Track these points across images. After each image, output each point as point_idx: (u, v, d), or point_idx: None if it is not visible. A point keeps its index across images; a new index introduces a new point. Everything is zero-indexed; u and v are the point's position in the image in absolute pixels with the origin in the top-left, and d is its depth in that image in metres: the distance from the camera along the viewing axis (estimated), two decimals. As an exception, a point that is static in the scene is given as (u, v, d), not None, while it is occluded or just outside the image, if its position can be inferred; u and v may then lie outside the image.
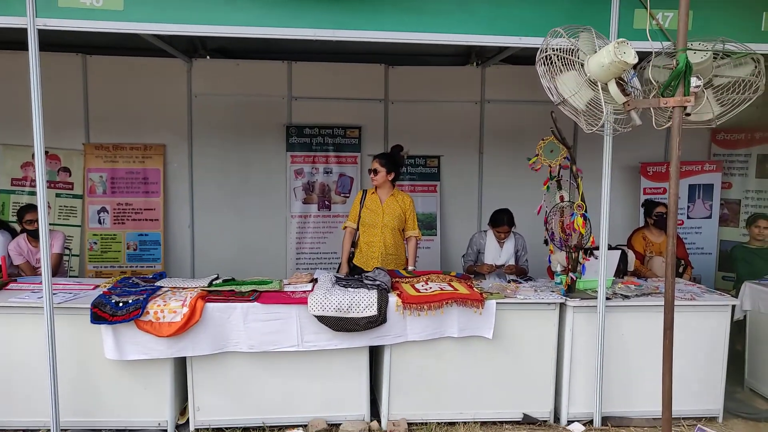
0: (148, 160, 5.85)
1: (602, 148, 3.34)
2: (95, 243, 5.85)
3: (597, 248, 3.37)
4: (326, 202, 6.03)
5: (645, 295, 3.55)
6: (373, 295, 3.28)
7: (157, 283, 3.51)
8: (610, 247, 3.44)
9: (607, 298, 3.38)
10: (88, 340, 3.22)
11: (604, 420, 3.45)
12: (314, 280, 3.66)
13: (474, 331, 3.36)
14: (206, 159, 5.90)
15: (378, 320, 3.22)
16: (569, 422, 3.49)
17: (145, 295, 3.22)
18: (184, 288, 3.45)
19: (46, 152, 5.77)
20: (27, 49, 3.06)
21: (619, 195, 6.17)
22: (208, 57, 5.96)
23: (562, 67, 2.71)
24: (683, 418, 3.55)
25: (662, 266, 4.56)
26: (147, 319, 3.15)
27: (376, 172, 4.09)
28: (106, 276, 5.82)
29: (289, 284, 3.58)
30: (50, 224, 5.85)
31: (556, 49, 2.72)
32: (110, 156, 5.80)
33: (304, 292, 3.41)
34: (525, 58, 5.87)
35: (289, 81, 5.92)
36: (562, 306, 3.46)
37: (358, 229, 4.17)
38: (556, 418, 3.54)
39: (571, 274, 3.50)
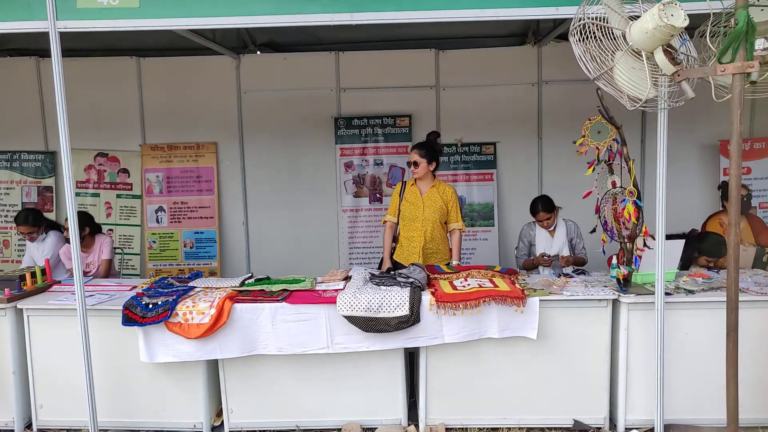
0: (201, 158, 5.92)
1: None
2: (154, 242, 6.01)
3: (652, 237, 2.99)
4: (377, 195, 5.87)
5: (714, 290, 3.13)
6: (405, 293, 3.08)
7: (191, 284, 3.49)
8: (671, 236, 3.04)
9: (668, 294, 2.99)
10: (124, 341, 3.23)
11: (667, 428, 3.08)
12: (348, 278, 3.51)
13: (516, 332, 3.09)
14: (257, 155, 5.90)
15: (410, 320, 3.03)
16: (627, 430, 3.15)
17: (175, 297, 3.20)
18: (216, 288, 3.40)
19: (106, 154, 6.01)
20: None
21: (696, 176, 5.60)
22: (258, 52, 5.94)
23: (601, 36, 2.39)
24: (762, 427, 3.11)
25: (743, 255, 4.05)
26: (176, 321, 3.12)
27: (416, 164, 3.87)
28: (165, 274, 5.98)
29: (323, 282, 3.45)
30: (112, 224, 6.14)
31: (594, 18, 2.40)
32: (165, 156, 5.93)
33: (336, 290, 3.27)
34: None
35: (336, 72, 5.79)
36: (615, 302, 3.12)
37: (398, 223, 3.98)
38: (612, 425, 3.20)
39: (624, 267, 3.14)
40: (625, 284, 3.11)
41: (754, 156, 5.34)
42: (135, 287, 3.60)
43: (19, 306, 3.31)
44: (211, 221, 5.98)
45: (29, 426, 3.42)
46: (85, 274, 4.38)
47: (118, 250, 5.19)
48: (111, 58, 5.85)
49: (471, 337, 3.08)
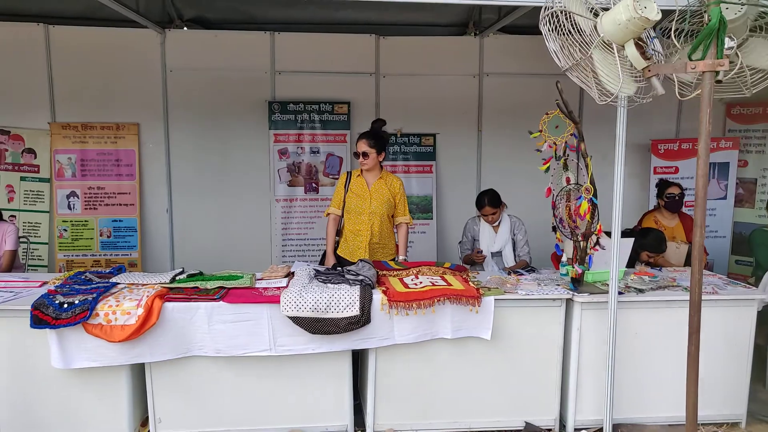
0: (120, 140, 5.42)
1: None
2: (65, 230, 5.45)
3: (607, 235, 2.96)
4: (313, 185, 5.62)
5: (661, 288, 3.16)
6: (355, 292, 2.89)
7: (113, 279, 3.12)
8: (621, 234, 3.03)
9: (620, 293, 2.98)
10: (32, 346, 2.84)
11: (615, 427, 3.09)
12: (291, 274, 3.26)
13: (470, 332, 2.98)
14: (183, 139, 5.48)
15: (360, 321, 2.84)
16: (576, 430, 3.13)
17: (95, 294, 2.83)
18: (143, 285, 3.06)
19: (8, 132, 5.38)
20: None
21: (627, 175, 5.75)
22: (184, 28, 5.49)
23: (570, 28, 2.28)
24: (703, 424, 3.19)
25: (676, 253, 4.17)
26: (96, 322, 2.77)
27: (365, 155, 3.65)
28: (78, 266, 5.46)
29: (263, 279, 3.19)
30: (15, 210, 5.51)
31: (563, 7, 2.29)
32: (79, 136, 5.37)
33: (278, 288, 3.02)
34: (526, 27, 5.44)
35: (272, 53, 5.47)
36: (569, 302, 3.08)
37: (342, 215, 3.77)
38: (562, 426, 3.18)
39: (577, 266, 3.10)
40: (577, 283, 3.07)
41: (681, 156, 5.55)
42: (45, 283, 3.18)
43: None
44: (131, 208, 5.50)
45: None
46: (-16, 266, 3.87)
47: (23, 239, 4.62)
48: (15, 24, 5.21)
49: (423, 338, 2.94)
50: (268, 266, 5.66)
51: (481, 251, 3.94)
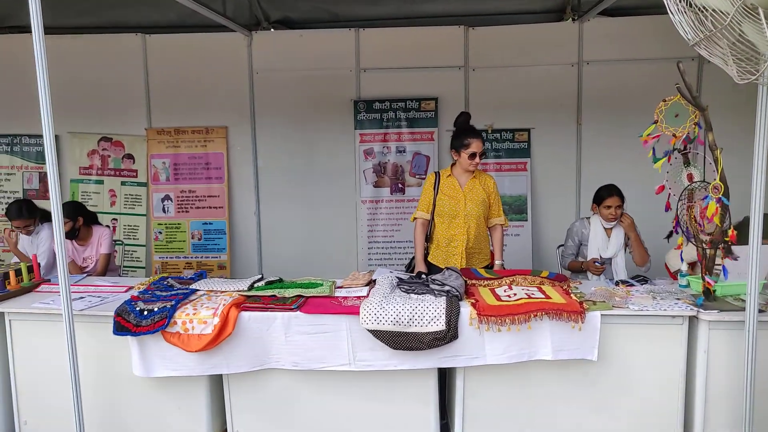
0: (210, 143, 5.49)
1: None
2: (160, 232, 5.60)
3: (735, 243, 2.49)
4: (399, 185, 5.40)
5: (813, 307, 2.63)
6: (441, 304, 2.62)
7: (193, 286, 3.06)
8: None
9: (760, 311, 2.50)
10: (118, 351, 2.82)
11: (752, 469, 2.60)
12: (372, 282, 3.05)
13: (573, 353, 2.61)
14: (270, 141, 5.47)
15: (446, 337, 2.56)
16: (703, 470, 2.68)
17: (174, 302, 2.77)
18: (221, 292, 2.97)
19: (111, 139, 5.60)
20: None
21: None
22: (271, 30, 5.47)
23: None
24: None
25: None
26: (174, 331, 2.70)
27: (483, 155, 3.42)
28: (172, 267, 5.59)
29: (343, 287, 3.00)
30: (116, 214, 5.74)
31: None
32: (172, 141, 5.50)
33: (358, 297, 2.82)
34: (631, 8, 4.92)
35: (356, 50, 5.31)
36: (692, 319, 2.63)
37: (432, 220, 3.50)
38: (684, 464, 2.74)
39: (707, 277, 2.65)
40: (707, 297, 2.62)
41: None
42: (131, 288, 3.18)
43: (0, 308, 2.90)
44: (220, 211, 5.55)
45: (13, 443, 3.03)
46: (82, 269, 3.98)
47: (118, 242, 4.76)
48: (115, 35, 5.42)
49: (519, 358, 2.61)
50: (353, 270, 5.60)
51: (601, 261, 3.52)
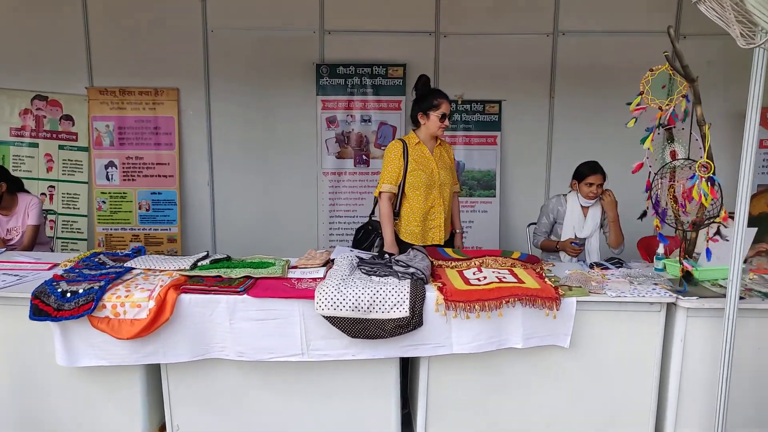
0: (159, 106, 5.06)
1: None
2: (104, 202, 5.19)
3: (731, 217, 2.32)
4: (364, 157, 5.11)
5: (794, 292, 2.49)
6: (404, 288, 2.38)
7: (128, 263, 2.73)
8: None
9: (741, 298, 2.34)
10: (39, 338, 2.49)
11: (725, 462, 2.47)
12: (330, 262, 2.78)
13: (544, 339, 2.41)
14: (225, 105, 5.07)
15: (410, 324, 2.33)
16: (674, 463, 2.54)
17: (103, 282, 2.44)
18: (160, 271, 2.65)
19: (46, 97, 5.11)
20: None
21: (723, 150, 4.95)
22: (227, -16, 5.03)
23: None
24: None
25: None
26: (103, 315, 2.38)
27: (449, 117, 3.17)
28: (117, 240, 5.20)
29: (297, 267, 2.72)
30: (54, 180, 5.28)
31: None
32: (117, 102, 5.05)
33: (314, 279, 2.55)
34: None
35: (320, 11, 4.94)
36: (670, 306, 2.46)
37: (402, 193, 3.19)
38: (656, 456, 2.60)
39: (685, 261, 2.47)
40: (687, 282, 2.44)
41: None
42: (55, 265, 2.83)
43: None
44: (170, 180, 5.16)
45: None
46: (6, 243, 3.59)
47: (51, 212, 4.32)
48: (50, -19, 4.90)
49: (488, 347, 2.40)
50: (313, 246, 5.31)
51: (579, 242, 3.33)
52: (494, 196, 5.09)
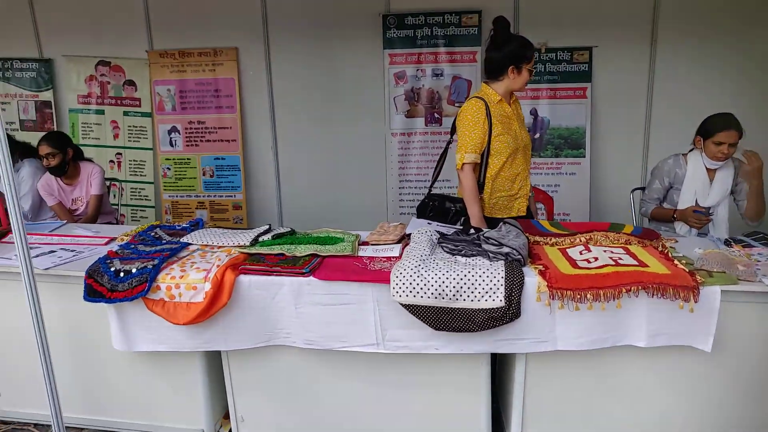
0: (219, 67, 4.80)
1: None
2: (168, 169, 5.04)
3: None
4: (435, 115, 4.67)
5: None
6: (498, 271, 1.99)
7: (184, 238, 2.47)
8: None
9: None
10: (96, 318, 2.29)
11: None
12: (406, 237, 2.42)
13: (676, 339, 1.96)
14: (286, 64, 4.75)
15: (506, 316, 1.95)
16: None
17: (157, 261, 2.19)
18: (219, 247, 2.39)
19: (109, 63, 4.95)
20: None
21: None
22: (286, -69, 4.63)
23: None
24: None
25: None
26: (158, 297, 2.14)
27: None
28: (183, 207, 5.05)
29: (369, 243, 2.38)
30: (121, 147, 5.17)
31: None
32: (177, 65, 4.82)
33: (388, 259, 2.20)
34: None
35: (386, -45, 4.47)
36: (840, 297, 1.95)
37: (485, 160, 2.67)
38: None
39: None
40: None
41: None
42: (112, 240, 2.62)
43: (-51, 265, 2.38)
44: (233, 145, 4.93)
45: (-13, 415, 2.59)
46: (71, 213, 3.45)
47: (115, 180, 4.16)
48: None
49: (601, 344, 1.99)
50: (382, 212, 4.96)
51: (708, 210, 2.79)
52: (583, 156, 4.54)
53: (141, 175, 5.10)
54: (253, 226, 5.07)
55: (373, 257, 2.23)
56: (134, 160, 5.09)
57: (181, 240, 2.46)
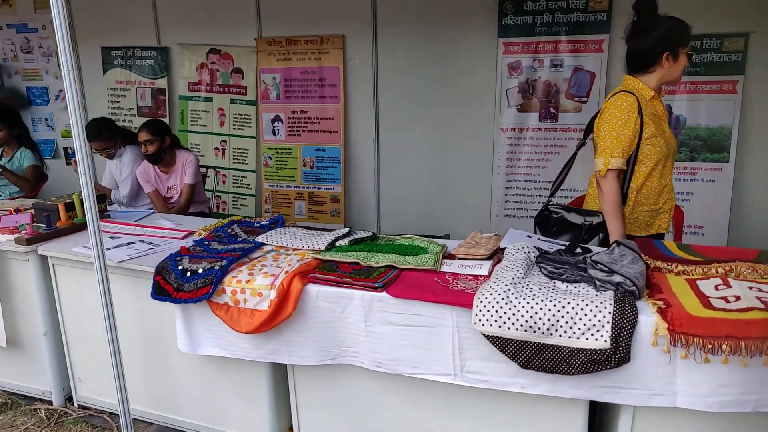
0: (324, 56, 4.69)
1: None
2: (270, 158, 5.04)
3: None
4: (551, 110, 4.24)
5: None
6: (606, 304, 1.62)
7: (260, 237, 2.34)
8: None
9: None
10: (164, 316, 2.22)
11: None
12: (499, 252, 2.10)
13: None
14: (393, 53, 4.53)
15: (611, 360, 1.58)
16: None
17: (226, 261, 2.07)
18: (293, 249, 2.22)
19: (219, 50, 5.03)
20: None
21: None
22: None
23: None
24: None
25: None
26: (222, 301, 2.01)
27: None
28: (282, 198, 5.04)
29: (454, 256, 2.09)
30: (225, 135, 5.25)
31: None
32: (283, 52, 4.78)
33: (474, 277, 1.91)
34: None
35: (506, -69, 4.09)
36: None
37: (631, 168, 2.22)
38: None
39: None
40: None
41: None
42: (190, 234, 2.55)
43: (40, 251, 2.43)
44: (335, 136, 4.81)
45: (71, 398, 2.65)
46: (166, 201, 3.49)
47: (209, 168, 4.14)
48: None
49: (737, 407, 1.56)
50: (484, 214, 4.58)
51: None
52: (726, 161, 3.89)
53: (243, 163, 5.15)
54: (351, 220, 4.95)
55: (457, 274, 1.94)
56: (238, 148, 5.15)
57: (256, 239, 2.32)
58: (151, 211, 3.02)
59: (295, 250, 2.22)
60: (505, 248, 2.08)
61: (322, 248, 2.18)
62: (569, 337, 1.62)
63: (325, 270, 1.99)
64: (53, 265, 2.43)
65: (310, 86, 4.78)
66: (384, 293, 1.85)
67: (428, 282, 1.89)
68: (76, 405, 2.59)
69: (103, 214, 2.82)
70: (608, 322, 1.59)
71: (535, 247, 2.04)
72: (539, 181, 4.36)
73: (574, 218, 2.33)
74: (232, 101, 5.06)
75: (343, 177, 4.86)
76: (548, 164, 4.31)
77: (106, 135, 3.40)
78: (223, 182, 5.19)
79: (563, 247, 2.04)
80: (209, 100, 5.12)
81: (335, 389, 2.08)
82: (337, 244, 2.21)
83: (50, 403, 2.61)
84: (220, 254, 2.15)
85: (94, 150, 3.43)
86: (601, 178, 2.19)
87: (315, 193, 4.96)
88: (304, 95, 4.81)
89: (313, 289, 1.94)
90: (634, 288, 1.68)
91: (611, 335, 1.58)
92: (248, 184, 5.17)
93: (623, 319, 1.59)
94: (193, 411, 2.37)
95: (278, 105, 4.89)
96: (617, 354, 1.58)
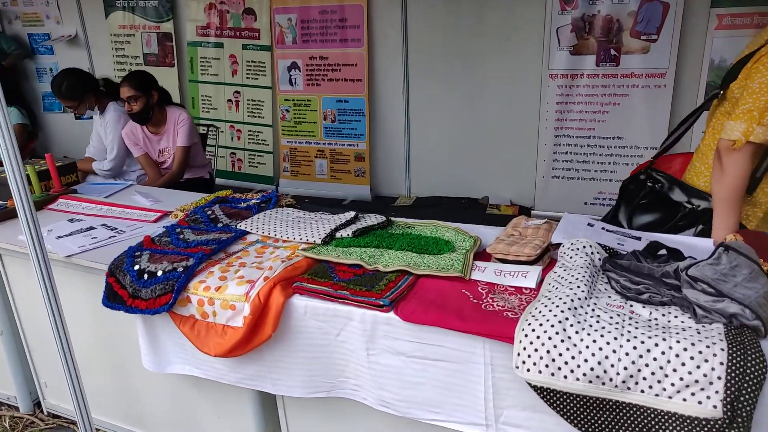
0: (345, -8, 4.08)
1: None
2: (287, 110, 4.53)
3: None
4: (612, 51, 3.56)
5: None
6: (714, 347, 1.09)
7: (243, 224, 1.86)
8: None
9: None
10: (125, 324, 1.79)
11: None
12: (550, 250, 1.57)
13: None
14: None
15: (722, 428, 1.06)
16: None
17: (194, 259, 1.60)
18: (284, 242, 1.74)
19: (228, -11, 4.46)
20: None
21: None
22: None
23: None
24: None
25: None
26: (187, 313, 1.56)
27: None
28: (302, 156, 4.55)
29: (491, 255, 1.56)
30: (238, 85, 4.73)
31: None
32: (299, -11, 4.19)
33: (517, 291, 1.39)
34: None
35: None
36: None
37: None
38: None
39: None
40: None
41: None
42: (165, 216, 2.09)
43: (-17, 237, 2.02)
44: (358, 85, 4.26)
45: (40, 404, 2.30)
46: (159, 167, 3.05)
47: (212, 128, 3.64)
48: None
49: None
50: (529, 176, 3.97)
51: None
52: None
53: (259, 117, 4.66)
54: (377, 182, 4.42)
55: (493, 285, 1.43)
56: (252, 100, 4.65)
57: (239, 226, 1.85)
58: (128, 183, 2.57)
59: (285, 242, 1.74)
60: (560, 243, 1.54)
61: (318, 241, 1.68)
62: (656, 395, 1.10)
63: (316, 276, 1.50)
64: (0, 255, 2.02)
65: (329, 28, 4.20)
66: (392, 314, 1.36)
67: (453, 297, 1.38)
68: (45, 412, 2.24)
69: (69, 189, 2.37)
70: (721, 376, 1.06)
71: (599, 244, 1.49)
72: (594, 137, 3.73)
73: (677, 195, 1.75)
74: (245, 47, 4.53)
75: (368, 132, 4.32)
76: (605, 117, 3.67)
77: (67, 92, 2.92)
78: (238, 138, 4.73)
79: (639, 242, 1.49)
80: (219, 45, 4.59)
81: (334, 424, 1.63)
82: (339, 235, 1.71)
83: (17, 409, 2.27)
84: (188, 248, 1.68)
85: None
86: (729, 150, 1.56)
87: (337, 151, 4.45)
88: (323, 38, 4.24)
89: (299, 303, 1.46)
90: (757, 322, 1.14)
91: (724, 397, 1.05)
92: (265, 140, 4.70)
93: (744, 373, 1.06)
94: (166, 427, 1.97)
95: (295, 50, 4.33)
96: (734, 425, 1.05)
